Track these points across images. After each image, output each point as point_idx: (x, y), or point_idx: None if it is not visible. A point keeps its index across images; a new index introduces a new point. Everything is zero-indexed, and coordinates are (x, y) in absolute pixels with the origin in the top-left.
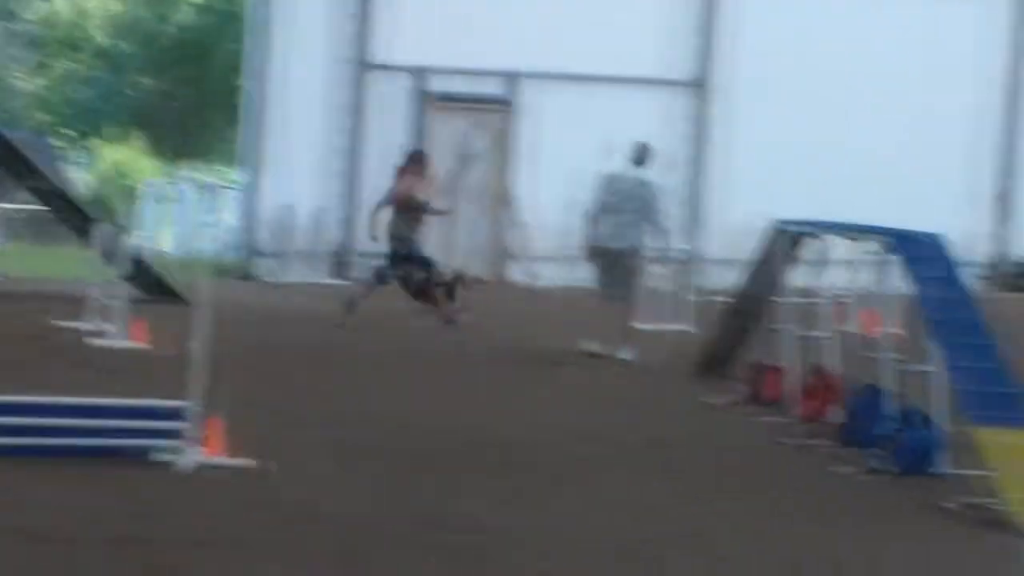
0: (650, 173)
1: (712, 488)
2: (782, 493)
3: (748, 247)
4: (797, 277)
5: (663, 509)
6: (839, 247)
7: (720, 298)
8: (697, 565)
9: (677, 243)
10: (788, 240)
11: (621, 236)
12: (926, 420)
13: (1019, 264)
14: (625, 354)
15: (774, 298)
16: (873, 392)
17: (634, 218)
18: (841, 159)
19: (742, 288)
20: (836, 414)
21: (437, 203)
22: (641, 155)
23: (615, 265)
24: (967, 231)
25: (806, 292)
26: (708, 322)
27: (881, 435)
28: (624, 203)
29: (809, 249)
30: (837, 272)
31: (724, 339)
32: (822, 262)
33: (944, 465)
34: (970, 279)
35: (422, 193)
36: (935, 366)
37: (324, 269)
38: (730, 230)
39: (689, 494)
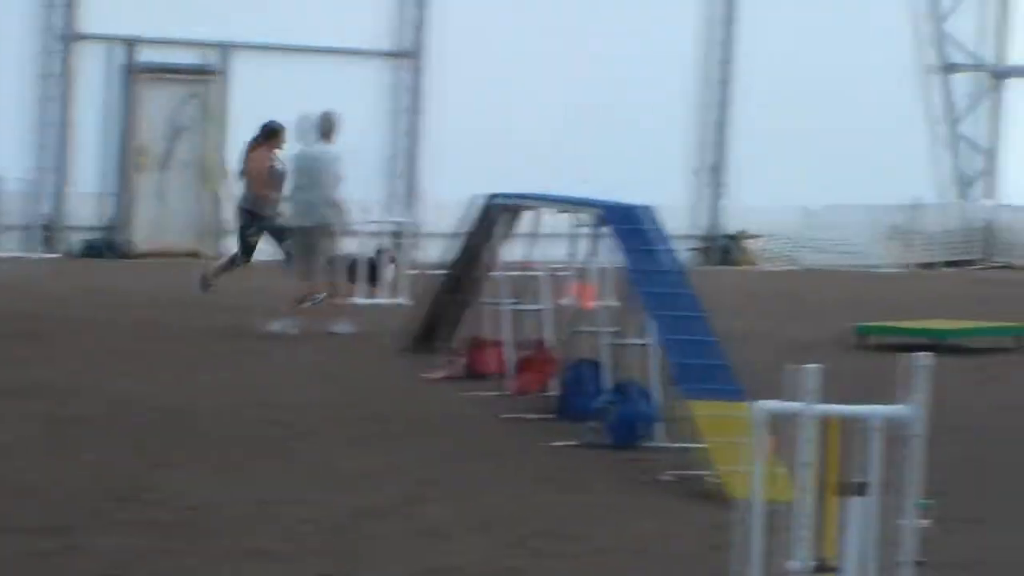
0: (332, 146)
1: (428, 460)
2: (498, 465)
3: (463, 220)
4: (511, 250)
5: (377, 481)
6: (552, 220)
7: (436, 271)
8: (409, 534)
9: (392, 216)
10: (501, 213)
11: (305, 213)
12: (640, 393)
13: (730, 237)
14: (282, 327)
15: (488, 271)
16: (588, 365)
17: (316, 193)
18: (558, 131)
19: (456, 261)
20: (552, 387)
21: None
22: (324, 127)
23: (305, 242)
24: (680, 204)
25: (520, 265)
26: (424, 296)
27: (596, 408)
28: (307, 179)
29: (522, 222)
30: (551, 245)
31: (440, 313)
32: (535, 235)
33: (658, 437)
34: (681, 252)
35: (278, 162)
36: (648, 339)
37: (35, 242)
38: (445, 203)
39: (404, 466)
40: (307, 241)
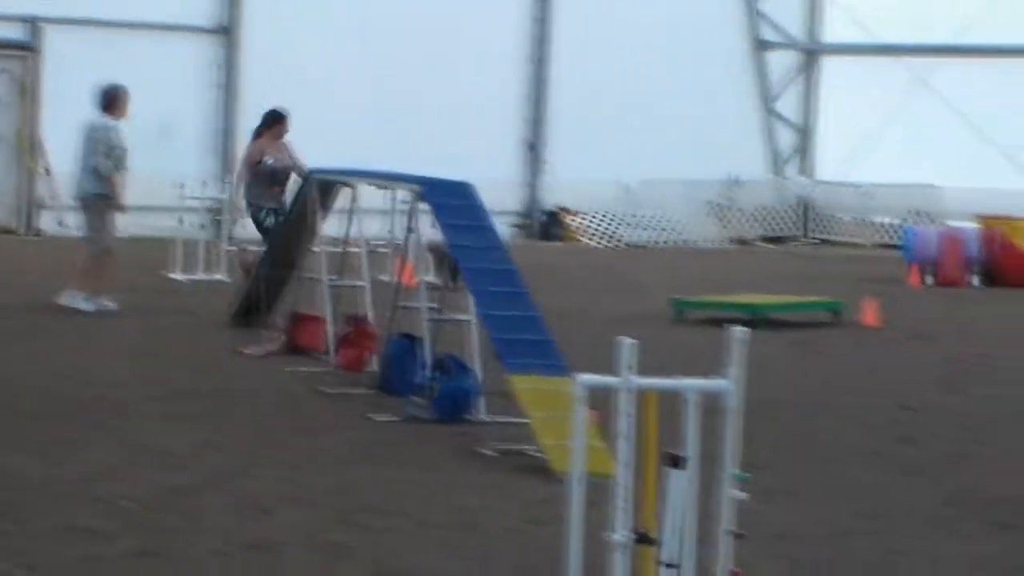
0: (113, 119)
1: (249, 435)
2: (321, 440)
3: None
4: (331, 226)
5: (198, 456)
6: (372, 195)
7: (255, 247)
8: (230, 509)
9: (209, 192)
10: (320, 189)
11: (76, 184)
12: (462, 368)
13: (550, 213)
14: (82, 303)
15: (309, 247)
16: (410, 340)
17: (85, 164)
18: (376, 108)
19: (277, 237)
20: (374, 363)
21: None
22: (105, 100)
23: (86, 214)
24: (500, 180)
25: (340, 241)
26: (243, 271)
27: (418, 383)
28: (82, 150)
29: (341, 198)
30: (371, 221)
31: (260, 288)
32: (355, 211)
33: (481, 412)
34: (501, 227)
35: (272, 157)
36: (469, 315)
37: None
38: None
39: (225, 441)
40: (83, 212)
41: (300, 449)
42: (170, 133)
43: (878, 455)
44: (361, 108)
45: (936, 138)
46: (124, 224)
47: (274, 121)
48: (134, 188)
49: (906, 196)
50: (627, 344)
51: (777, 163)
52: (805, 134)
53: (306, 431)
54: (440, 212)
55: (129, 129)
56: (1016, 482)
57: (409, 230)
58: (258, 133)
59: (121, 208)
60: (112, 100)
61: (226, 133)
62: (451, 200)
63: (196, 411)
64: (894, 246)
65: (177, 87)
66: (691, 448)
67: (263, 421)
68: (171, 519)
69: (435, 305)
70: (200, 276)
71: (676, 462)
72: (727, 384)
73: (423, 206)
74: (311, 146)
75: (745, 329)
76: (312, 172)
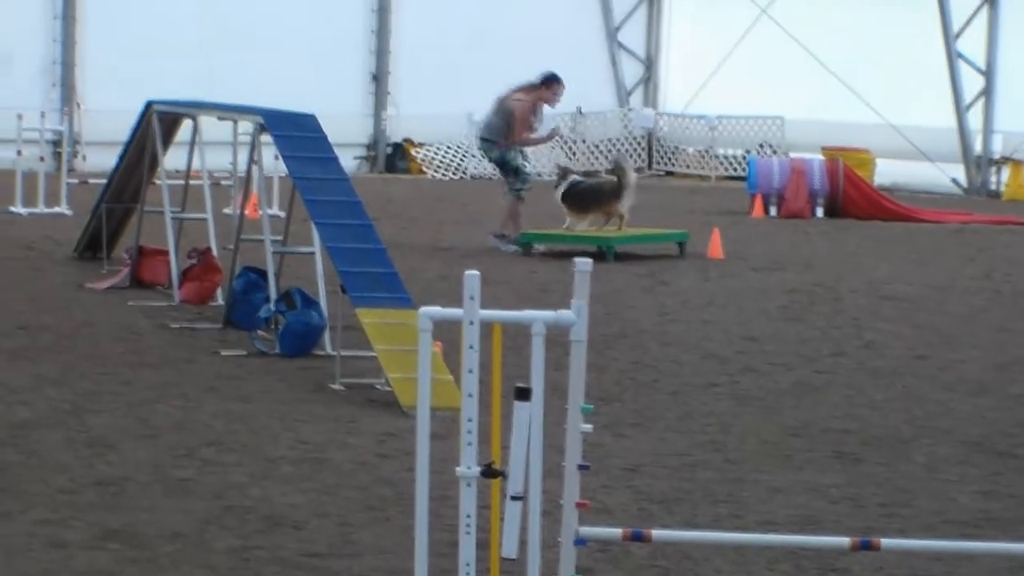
0: None
1: (93, 370)
2: (166, 375)
3: (125, 129)
4: (174, 158)
5: (39, 392)
6: (214, 128)
7: (97, 181)
8: (74, 445)
9: (49, 124)
10: (160, 120)
11: None
12: (308, 301)
13: (396, 145)
14: None
15: (151, 179)
16: (255, 274)
17: None
18: (221, 41)
19: (118, 169)
20: (219, 297)
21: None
22: None
23: None
24: (345, 113)
25: (182, 174)
26: (85, 205)
27: (264, 317)
28: None
29: (183, 130)
30: (214, 153)
31: (102, 222)
32: (197, 143)
33: (328, 346)
34: (346, 160)
35: (527, 117)
36: (315, 248)
37: None
38: (107, 111)
39: (67, 376)
40: None
41: (144, 384)
42: (9, 63)
43: (722, 386)
44: (205, 41)
45: (781, 70)
46: None
47: (545, 83)
48: None
49: (751, 128)
50: (470, 276)
51: (621, 95)
52: (649, 66)
53: (150, 366)
54: (282, 143)
55: None
56: (856, 413)
57: (252, 162)
58: (529, 89)
59: None
60: None
61: (66, 64)
62: (293, 132)
63: (38, 346)
64: (739, 178)
65: (16, 16)
66: (536, 381)
67: (107, 356)
68: (13, 455)
69: (279, 237)
70: (41, 210)
71: (522, 395)
72: (572, 316)
73: (266, 138)
74: (153, 78)
75: (588, 260)
76: (152, 103)
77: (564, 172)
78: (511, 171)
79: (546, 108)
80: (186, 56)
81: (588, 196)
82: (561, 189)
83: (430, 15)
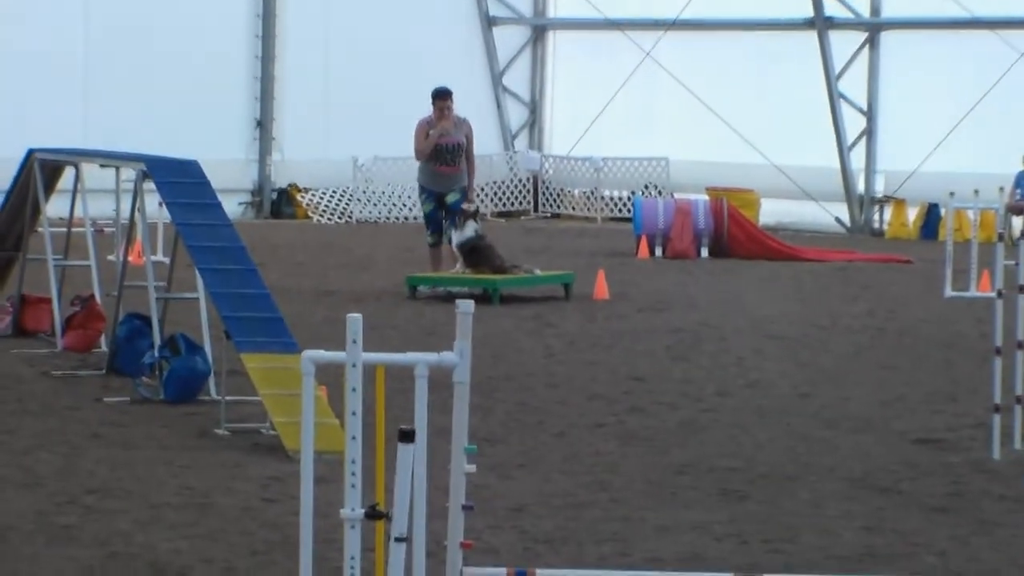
0: None
1: None
2: (49, 422)
3: (6, 177)
4: (56, 206)
5: None
6: (97, 175)
7: None
8: None
9: None
10: (42, 168)
11: None
12: (192, 347)
13: (281, 191)
14: None
15: (34, 227)
16: (139, 320)
17: None
18: (107, 85)
19: (0, 217)
20: (103, 344)
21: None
22: None
23: None
24: (229, 159)
25: (66, 221)
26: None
27: (148, 363)
28: None
29: (66, 176)
30: (96, 201)
31: None
32: (80, 190)
33: (213, 392)
34: (230, 206)
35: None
36: (199, 294)
37: None
38: None
39: None
40: None
41: (27, 432)
42: None
43: (609, 426)
44: (88, 87)
45: (665, 112)
46: None
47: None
48: None
49: (636, 170)
50: (352, 319)
51: (507, 138)
52: (534, 109)
53: (33, 413)
54: (165, 190)
55: None
56: (742, 451)
57: (135, 209)
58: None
59: None
60: None
61: None
62: (176, 178)
63: None
64: (625, 219)
65: None
66: (420, 423)
67: None
68: None
69: (163, 283)
70: None
71: (406, 437)
72: (454, 357)
73: (149, 185)
74: (34, 125)
75: (470, 302)
76: (33, 151)
77: (472, 215)
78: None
79: None
80: (68, 102)
81: (487, 254)
82: (461, 237)
83: (314, 62)
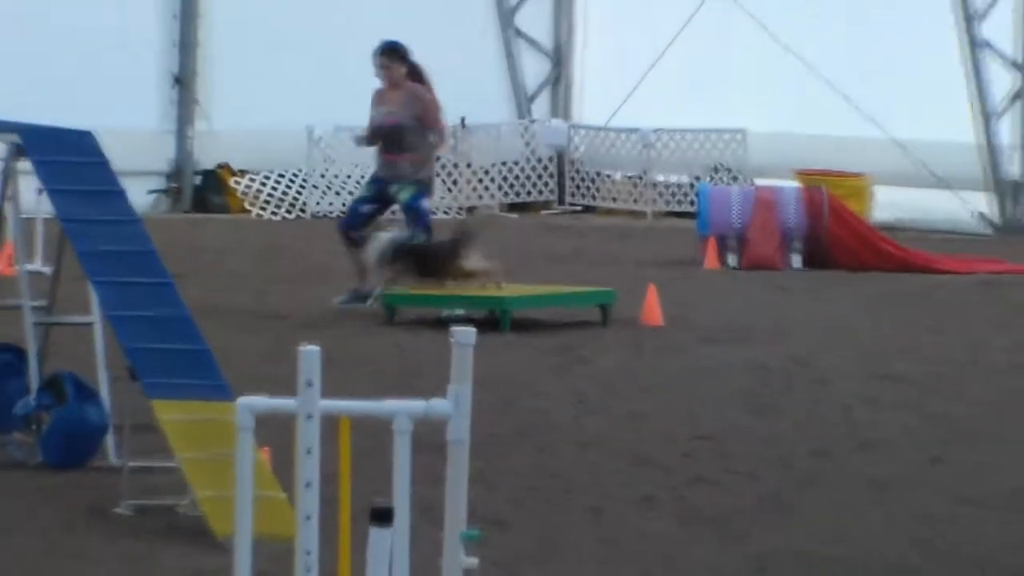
0: None
1: None
2: None
3: None
4: None
5: None
6: None
7: None
8: None
9: None
10: None
11: None
12: (83, 391)
13: (208, 173)
14: None
15: None
16: (9, 355)
17: None
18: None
19: None
20: None
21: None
22: None
23: None
24: (136, 130)
25: None
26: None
27: (21, 413)
28: None
29: None
30: None
31: None
32: None
33: (111, 454)
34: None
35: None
36: (93, 317)
37: None
38: None
39: None
40: None
41: None
42: None
43: (662, 502)
44: None
45: (741, 68)
46: None
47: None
48: None
49: (702, 146)
50: (308, 353)
51: (521, 101)
52: (559, 61)
53: None
54: (46, 172)
55: None
56: (847, 535)
57: (2, 198)
58: None
59: None
60: None
61: None
62: (61, 155)
63: None
64: (686, 215)
65: None
66: (401, 497)
67: None
68: None
69: (43, 303)
70: None
71: (381, 517)
72: (448, 407)
73: (25, 165)
74: None
75: (471, 330)
76: None
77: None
78: None
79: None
80: None
81: (431, 255)
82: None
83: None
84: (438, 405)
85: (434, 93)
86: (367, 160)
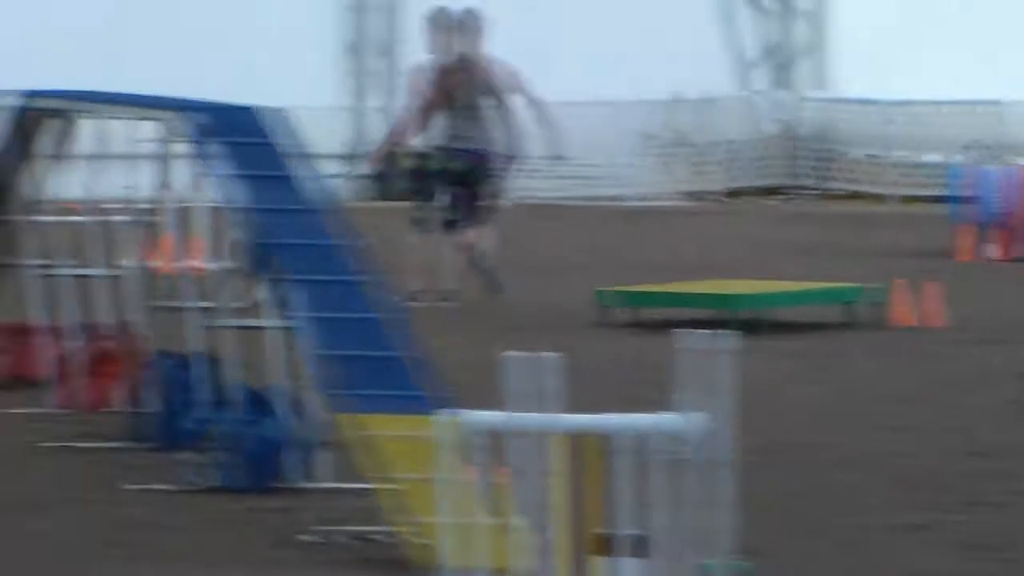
0: None
1: None
2: (41, 523)
3: None
4: (63, 181)
5: None
6: (124, 132)
7: None
8: None
9: None
10: (43, 121)
11: None
12: (265, 405)
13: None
14: None
15: (31, 215)
16: (187, 363)
17: None
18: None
19: None
20: (131, 397)
21: None
22: None
23: None
24: (325, 108)
25: (78, 206)
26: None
27: (202, 429)
28: None
29: (77, 136)
30: (124, 172)
31: None
32: (101, 157)
33: (297, 474)
34: (329, 179)
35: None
36: (287, 320)
37: None
38: None
39: None
40: None
41: (16, 537)
42: None
43: (932, 528)
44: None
45: (996, 28)
46: None
47: None
48: None
49: (953, 120)
50: (545, 362)
51: (741, 71)
52: (814, 22)
53: (17, 507)
54: (233, 156)
55: None
56: None
57: (189, 186)
58: None
59: None
60: None
61: None
62: (242, 137)
63: None
64: (938, 198)
65: None
66: (656, 524)
67: None
68: None
69: (233, 304)
70: None
71: (631, 547)
72: (683, 422)
73: (193, 147)
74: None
75: (701, 333)
76: (31, 95)
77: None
78: None
79: None
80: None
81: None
82: None
83: None
84: (669, 420)
85: None
86: (587, 138)
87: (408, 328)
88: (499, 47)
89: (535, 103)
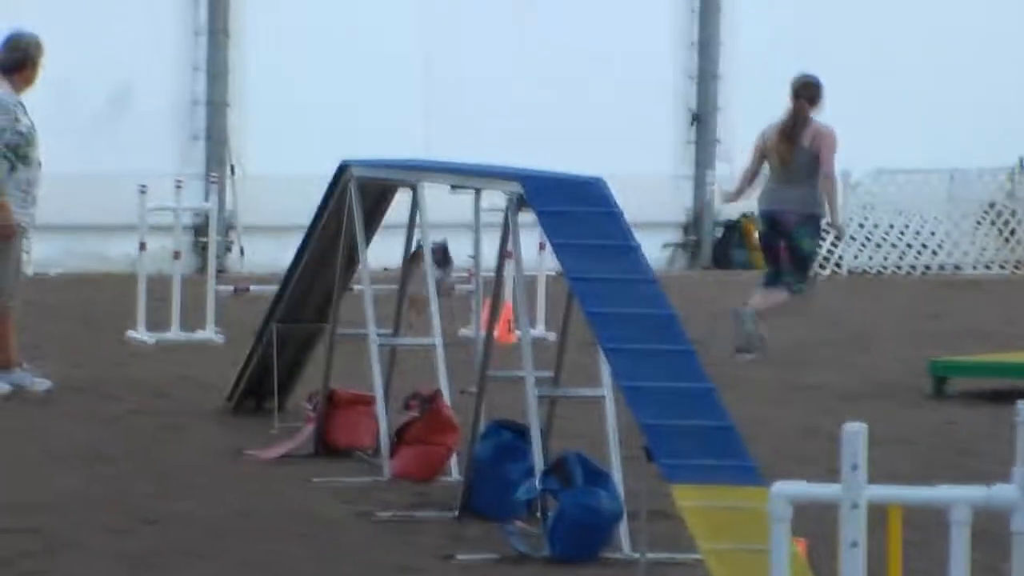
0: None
1: None
2: None
3: (303, 208)
4: (380, 250)
5: None
6: (445, 202)
7: (263, 288)
8: None
9: (187, 200)
10: (363, 193)
11: None
12: (594, 475)
13: (730, 225)
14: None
15: (347, 284)
16: (510, 433)
17: None
18: (450, 81)
19: (296, 270)
20: (453, 468)
21: None
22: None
23: None
24: (647, 176)
25: (394, 274)
26: (245, 327)
27: (524, 499)
28: None
29: (393, 205)
30: (454, 240)
31: (272, 354)
32: (420, 224)
33: (626, 544)
34: (652, 248)
35: None
36: (603, 389)
37: None
38: (275, 179)
39: None
40: None
41: None
42: (124, 102)
43: None
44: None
45: None
46: (46, 255)
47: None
48: (56, 197)
49: None
50: (853, 432)
51: None
52: None
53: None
54: (551, 224)
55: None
56: None
57: (503, 255)
58: None
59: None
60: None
61: (213, 105)
62: (569, 206)
63: (173, 548)
64: None
65: (138, 27)
66: None
67: (279, 563)
68: None
69: (548, 373)
70: (176, 335)
71: None
72: (1013, 493)
73: (526, 218)
74: (340, 131)
75: None
76: (348, 165)
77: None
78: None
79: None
80: (392, 99)
81: None
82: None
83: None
84: (1001, 491)
85: None
86: (910, 206)
87: (719, 400)
88: (845, 109)
89: (827, 176)
